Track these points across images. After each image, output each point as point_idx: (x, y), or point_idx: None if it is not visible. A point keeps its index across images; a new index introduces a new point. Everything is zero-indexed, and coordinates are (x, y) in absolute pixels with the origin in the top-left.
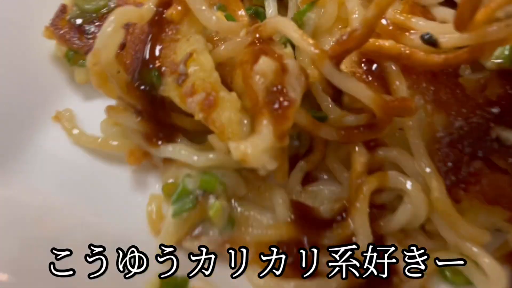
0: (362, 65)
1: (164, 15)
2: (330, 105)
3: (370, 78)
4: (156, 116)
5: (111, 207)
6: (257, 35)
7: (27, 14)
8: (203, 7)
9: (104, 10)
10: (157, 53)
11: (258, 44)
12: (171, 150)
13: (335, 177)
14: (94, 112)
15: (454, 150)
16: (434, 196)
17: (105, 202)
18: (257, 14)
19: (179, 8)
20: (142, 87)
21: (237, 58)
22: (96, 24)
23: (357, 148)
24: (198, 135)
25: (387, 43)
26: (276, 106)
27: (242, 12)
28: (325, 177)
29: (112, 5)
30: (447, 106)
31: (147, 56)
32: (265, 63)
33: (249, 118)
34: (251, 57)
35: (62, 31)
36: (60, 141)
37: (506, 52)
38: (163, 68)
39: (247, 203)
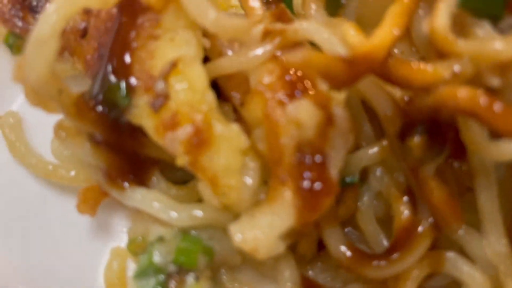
0: None
1: None
2: None
3: None
4: (123, 146)
5: (60, 257)
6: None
7: None
8: None
9: None
10: (127, 56)
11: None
12: (140, 199)
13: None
14: (47, 119)
15: None
16: None
17: (53, 249)
18: None
19: None
20: (101, 108)
21: (250, 72)
22: None
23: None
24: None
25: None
26: (307, 184)
27: (255, 2)
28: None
29: None
30: None
31: (113, 59)
32: (306, 111)
33: (260, 163)
34: (282, 85)
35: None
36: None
37: None
38: (134, 81)
39: (242, 276)
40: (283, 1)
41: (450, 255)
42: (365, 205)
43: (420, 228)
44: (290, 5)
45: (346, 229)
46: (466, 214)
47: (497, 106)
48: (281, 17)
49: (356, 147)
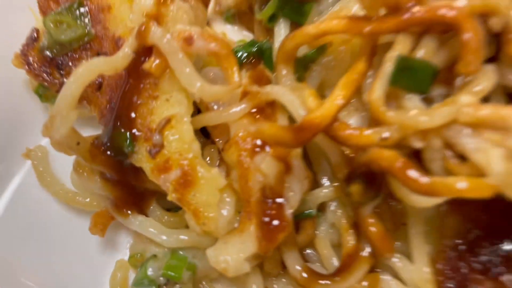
0: None
1: (142, 66)
2: None
3: None
4: (127, 182)
5: (74, 266)
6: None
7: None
8: (187, 69)
9: (81, 42)
10: (132, 111)
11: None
12: (138, 224)
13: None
14: None
15: (462, 264)
16: None
17: (69, 260)
18: (261, 52)
19: (159, 61)
20: (109, 152)
21: (230, 124)
22: (72, 57)
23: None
24: None
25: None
26: (267, 220)
27: (234, 72)
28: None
29: (86, 39)
30: (466, 210)
31: (121, 113)
32: (268, 163)
33: (236, 197)
34: (253, 138)
35: (32, 63)
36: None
37: None
38: (137, 132)
39: (219, 287)
40: (263, 59)
41: (386, 277)
42: (322, 233)
43: (361, 255)
44: (270, 63)
45: (308, 251)
46: (402, 244)
47: (411, 172)
48: (259, 78)
49: (316, 184)
